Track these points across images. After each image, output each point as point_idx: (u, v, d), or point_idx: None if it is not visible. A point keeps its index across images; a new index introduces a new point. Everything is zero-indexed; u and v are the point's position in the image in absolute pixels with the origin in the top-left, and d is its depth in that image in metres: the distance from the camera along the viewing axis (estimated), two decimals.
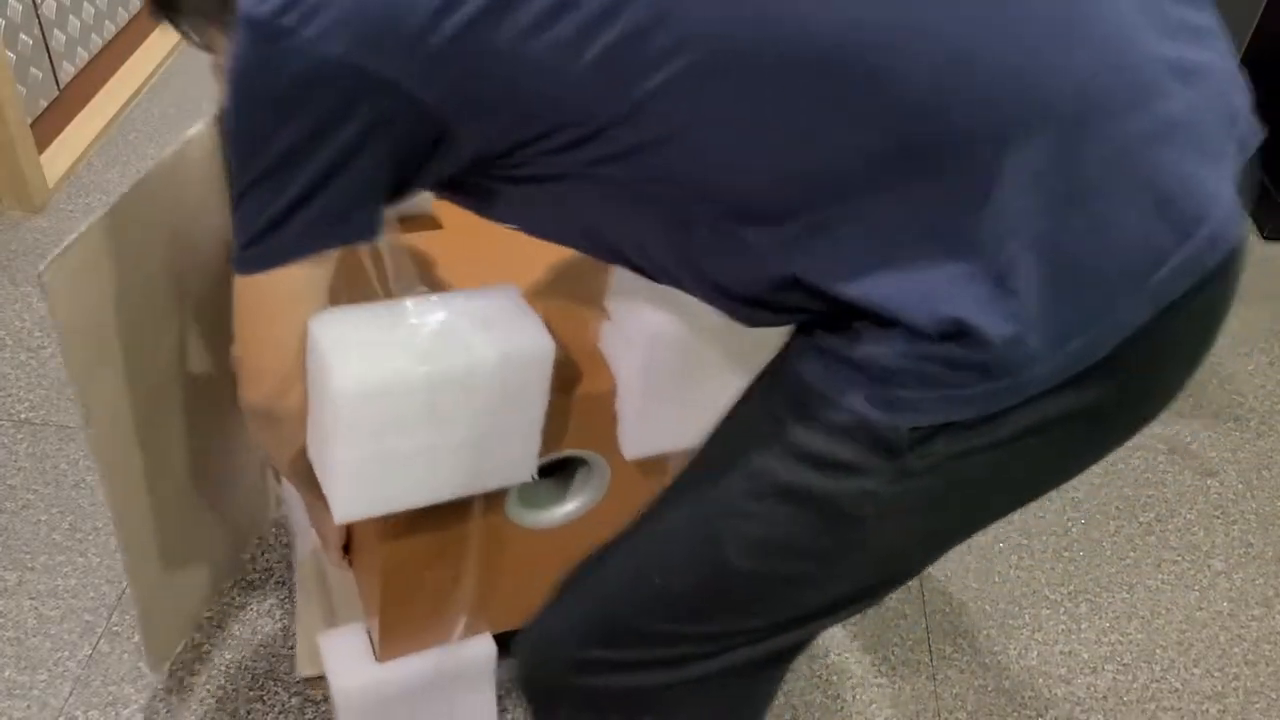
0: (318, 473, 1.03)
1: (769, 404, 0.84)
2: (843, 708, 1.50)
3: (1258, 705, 1.56)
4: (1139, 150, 0.73)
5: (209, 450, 1.41)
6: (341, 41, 0.73)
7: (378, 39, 0.73)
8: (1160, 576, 1.75)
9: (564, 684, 0.98)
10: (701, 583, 0.88)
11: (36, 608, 1.52)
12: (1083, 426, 0.83)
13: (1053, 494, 1.84)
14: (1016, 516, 1.80)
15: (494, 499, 1.16)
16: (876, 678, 1.54)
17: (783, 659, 0.97)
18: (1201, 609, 1.70)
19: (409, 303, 0.99)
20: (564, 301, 1.18)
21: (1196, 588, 1.73)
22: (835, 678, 1.54)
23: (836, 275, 0.74)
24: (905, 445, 0.75)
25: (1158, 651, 1.63)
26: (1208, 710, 1.55)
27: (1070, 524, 1.82)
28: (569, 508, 1.25)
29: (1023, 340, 0.72)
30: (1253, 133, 0.83)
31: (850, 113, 0.71)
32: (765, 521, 0.82)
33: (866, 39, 0.70)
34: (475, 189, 0.87)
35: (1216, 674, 1.60)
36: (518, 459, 1.07)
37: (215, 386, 1.33)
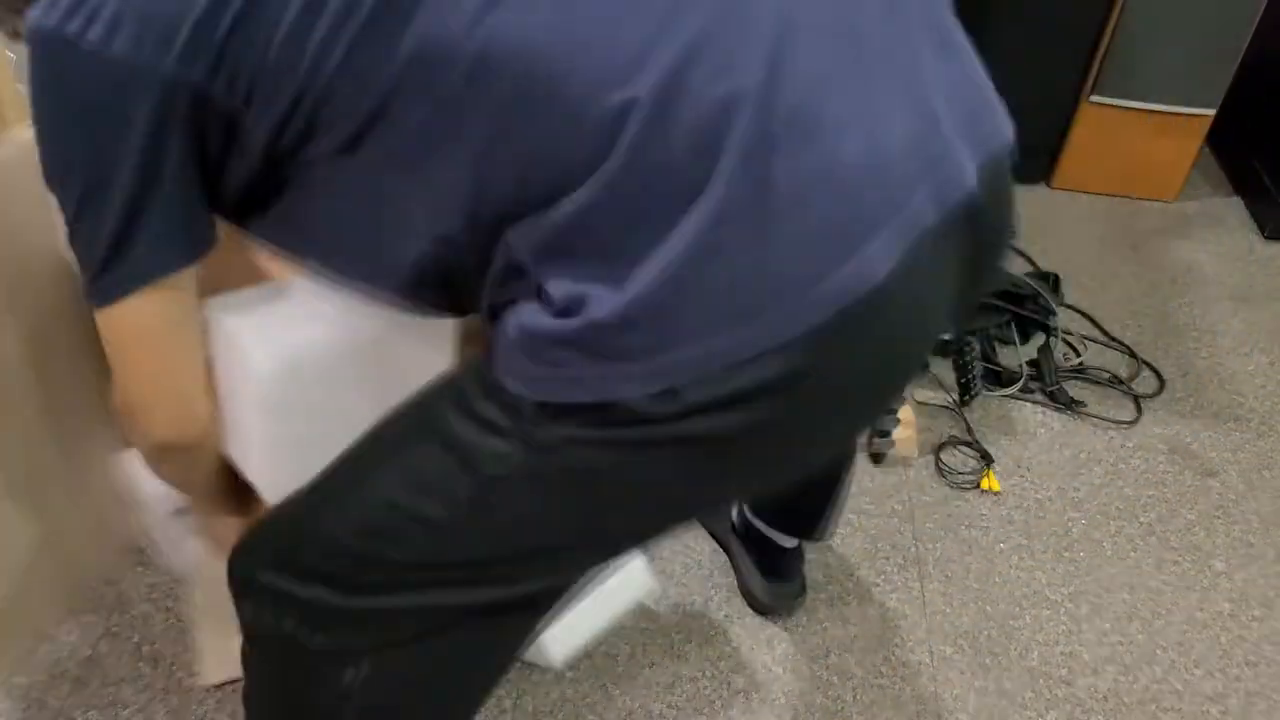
0: (242, 465, 1.01)
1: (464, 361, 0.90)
2: (843, 709, 1.50)
3: (1259, 707, 1.56)
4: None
5: (46, 477, 1.36)
6: (127, 42, 0.74)
7: (161, 36, 0.74)
8: (1161, 577, 1.74)
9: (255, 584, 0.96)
10: (367, 512, 0.89)
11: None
12: (719, 455, 0.82)
13: (1053, 494, 1.85)
14: (1018, 516, 1.81)
15: None
16: (877, 679, 1.54)
17: (467, 632, 0.95)
18: (1203, 610, 1.70)
19: (300, 279, 0.99)
20: None
21: (1198, 588, 1.73)
22: (836, 679, 1.53)
23: (535, 253, 0.78)
24: (532, 417, 0.80)
25: (1159, 653, 1.62)
26: (1209, 711, 1.54)
27: (1071, 524, 1.82)
28: None
29: (632, 326, 0.74)
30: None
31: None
32: (423, 458, 0.86)
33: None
34: (272, 196, 0.87)
35: (1218, 675, 1.60)
36: None
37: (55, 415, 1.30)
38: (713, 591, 1.64)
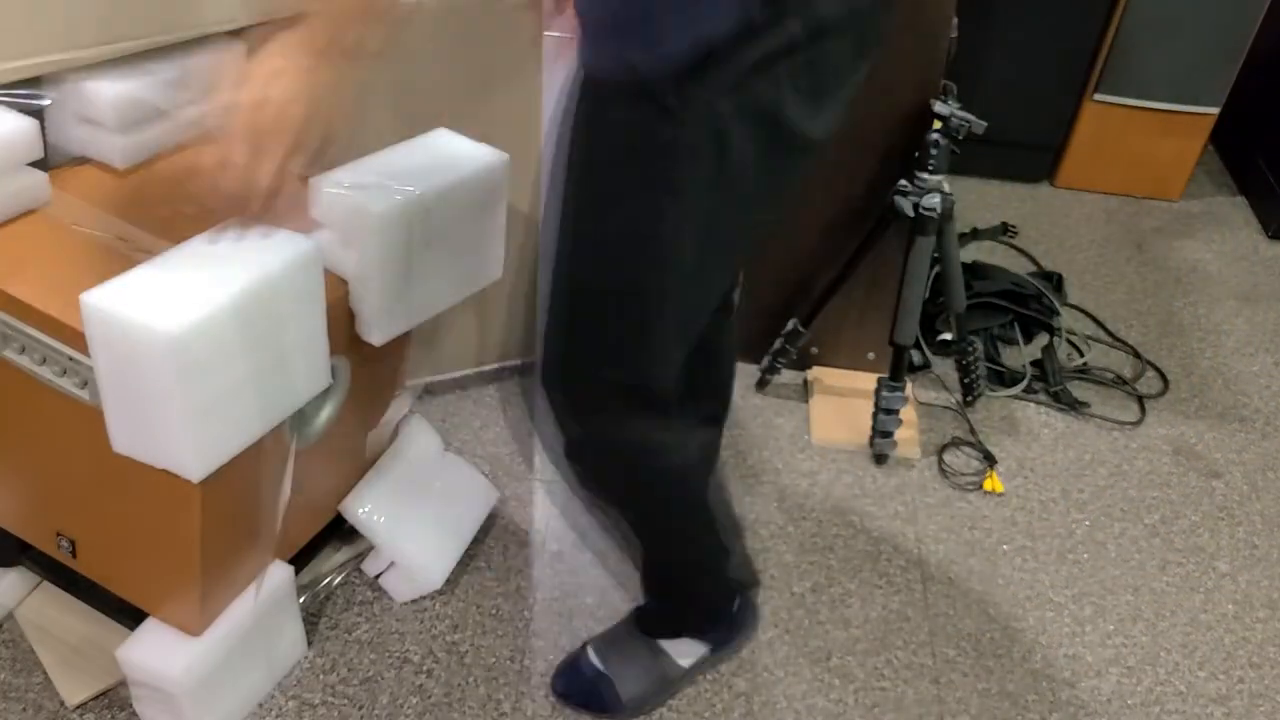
0: (151, 453, 1.04)
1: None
2: (845, 711, 1.49)
3: (1263, 708, 1.55)
4: None
5: None
6: None
7: None
8: (1165, 579, 1.74)
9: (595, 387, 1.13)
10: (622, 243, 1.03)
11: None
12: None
13: (1057, 495, 1.84)
14: (1021, 518, 1.80)
15: (281, 426, 1.20)
16: (880, 682, 1.53)
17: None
18: (1206, 611, 1.69)
19: (170, 253, 1.03)
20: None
21: (1201, 590, 1.72)
22: (838, 681, 1.53)
23: None
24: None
25: (1162, 654, 1.61)
26: (1212, 713, 1.54)
27: (1075, 526, 1.81)
28: (327, 412, 1.32)
29: None
30: None
31: None
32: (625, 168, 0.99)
33: None
34: None
35: (1221, 677, 1.59)
36: (316, 367, 1.16)
37: None
38: None
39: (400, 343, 1.35)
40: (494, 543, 1.67)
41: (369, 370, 1.36)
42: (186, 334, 0.96)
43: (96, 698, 1.40)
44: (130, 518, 1.21)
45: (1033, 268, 2.43)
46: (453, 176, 1.25)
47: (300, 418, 1.27)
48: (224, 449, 1.06)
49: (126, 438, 1.05)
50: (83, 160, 1.31)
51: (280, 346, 1.08)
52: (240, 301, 1.01)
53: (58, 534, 1.31)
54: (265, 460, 1.22)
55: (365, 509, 1.49)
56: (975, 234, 2.50)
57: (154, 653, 1.28)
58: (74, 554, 1.31)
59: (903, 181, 1.73)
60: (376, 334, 1.26)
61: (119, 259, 1.12)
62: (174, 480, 1.06)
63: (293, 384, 1.13)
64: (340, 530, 1.56)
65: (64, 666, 1.42)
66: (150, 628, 1.30)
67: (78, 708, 1.39)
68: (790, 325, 1.93)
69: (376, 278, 1.21)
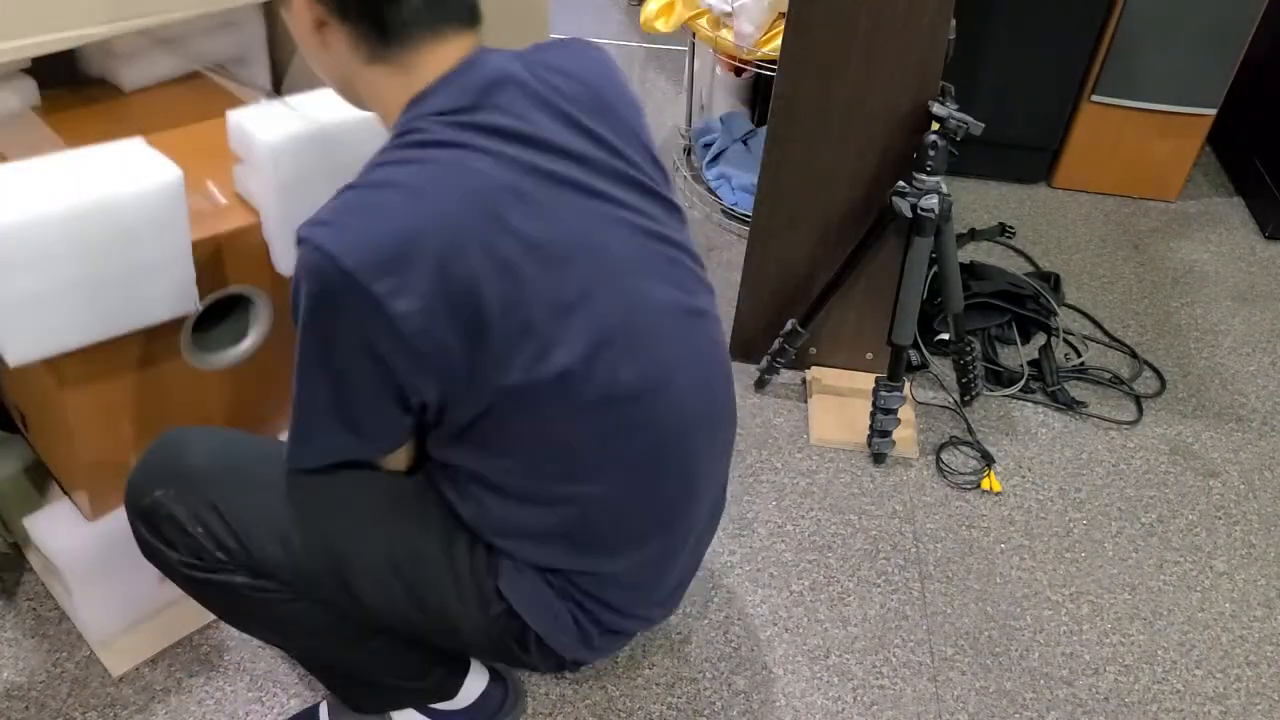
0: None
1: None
2: (844, 710, 1.49)
3: (1259, 707, 1.56)
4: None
5: None
6: None
7: None
8: (1162, 578, 1.74)
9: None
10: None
11: (35, 609, 1.51)
12: None
13: (1054, 494, 1.85)
14: (1019, 517, 1.80)
15: (169, 343, 1.29)
16: (878, 680, 1.54)
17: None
18: (1203, 610, 1.69)
19: (35, 160, 1.11)
20: (200, 161, 1.33)
21: (1198, 589, 1.73)
22: (836, 679, 1.53)
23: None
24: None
25: (1159, 653, 1.62)
26: (1209, 712, 1.54)
27: (1072, 525, 1.81)
28: (243, 346, 1.37)
29: None
30: None
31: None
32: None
33: None
34: None
35: (1218, 675, 1.60)
36: (177, 290, 1.21)
37: None
38: (713, 593, 1.64)
39: None
40: None
41: None
42: (3, 231, 1.04)
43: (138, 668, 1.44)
44: (37, 403, 1.33)
45: (1030, 268, 2.43)
46: (363, 113, 1.27)
47: (208, 341, 1.34)
48: (48, 344, 1.14)
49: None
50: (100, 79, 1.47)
51: (126, 263, 1.14)
52: (71, 213, 1.08)
53: (16, 406, 1.46)
54: (149, 373, 1.29)
55: None
56: (973, 234, 2.50)
57: (51, 527, 1.37)
58: (25, 426, 1.44)
59: (901, 182, 1.74)
60: (285, 264, 1.31)
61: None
62: (47, 373, 1.19)
63: (144, 301, 1.19)
64: None
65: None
66: (57, 504, 1.39)
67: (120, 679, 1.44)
68: (789, 325, 1.93)
69: (276, 206, 1.25)
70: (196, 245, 1.21)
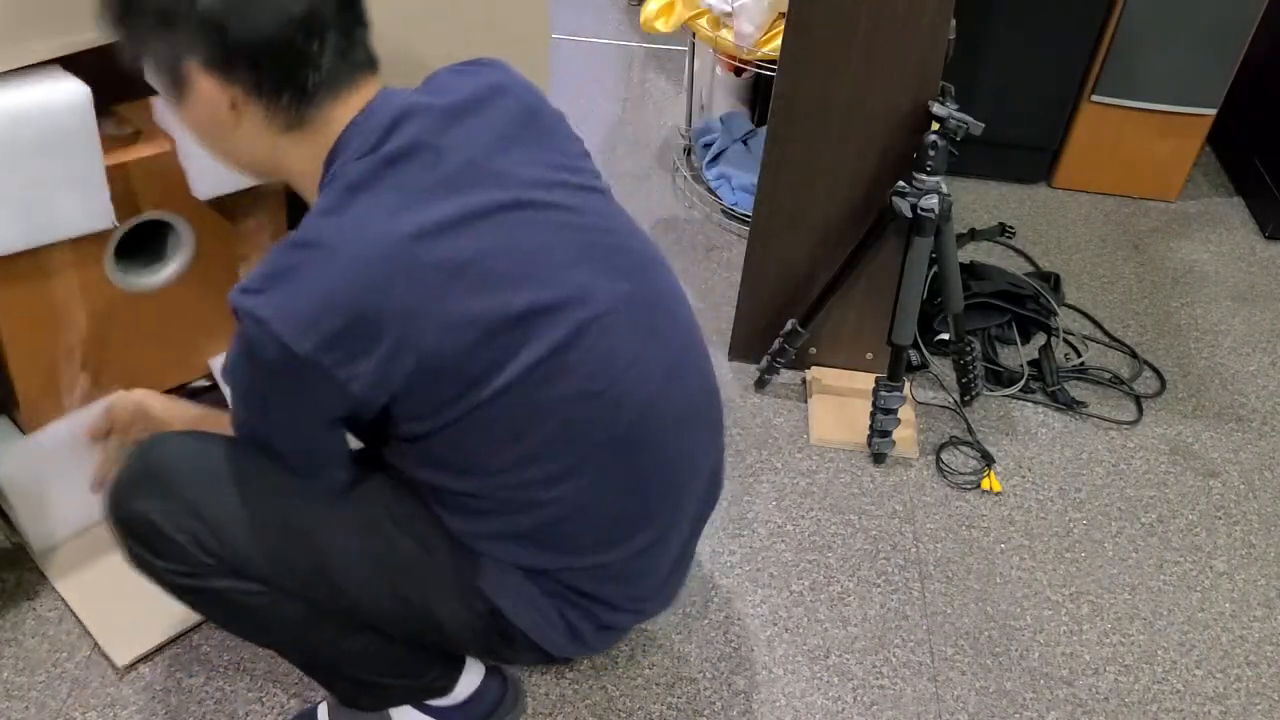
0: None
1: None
2: (844, 710, 1.49)
3: (1260, 707, 1.56)
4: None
5: None
6: None
7: None
8: (1162, 578, 1.74)
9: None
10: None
11: (34, 609, 1.51)
12: None
13: (1054, 494, 1.85)
14: (1019, 517, 1.80)
15: (91, 260, 1.36)
16: (878, 680, 1.54)
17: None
18: (1203, 610, 1.69)
19: None
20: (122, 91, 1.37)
21: (1198, 589, 1.73)
22: (836, 679, 1.53)
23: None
24: None
25: (1160, 653, 1.62)
26: (1209, 712, 1.54)
27: (1072, 525, 1.81)
28: (166, 271, 1.46)
29: None
30: None
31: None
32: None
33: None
34: None
35: (1218, 675, 1.60)
36: (91, 206, 1.28)
37: None
38: (712, 593, 1.64)
39: (261, 208, 1.49)
40: None
41: (227, 233, 1.49)
42: None
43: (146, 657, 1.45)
44: None
45: (1030, 268, 2.43)
46: None
47: (131, 264, 1.42)
48: None
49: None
50: None
51: (38, 176, 1.22)
52: None
53: None
54: (76, 289, 1.36)
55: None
56: (973, 234, 2.50)
57: None
58: None
59: (901, 182, 1.74)
60: (200, 188, 1.38)
61: None
62: None
63: (61, 213, 1.26)
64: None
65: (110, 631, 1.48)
66: None
67: (128, 668, 1.45)
68: (789, 325, 1.93)
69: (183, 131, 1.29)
70: (112, 169, 1.28)
